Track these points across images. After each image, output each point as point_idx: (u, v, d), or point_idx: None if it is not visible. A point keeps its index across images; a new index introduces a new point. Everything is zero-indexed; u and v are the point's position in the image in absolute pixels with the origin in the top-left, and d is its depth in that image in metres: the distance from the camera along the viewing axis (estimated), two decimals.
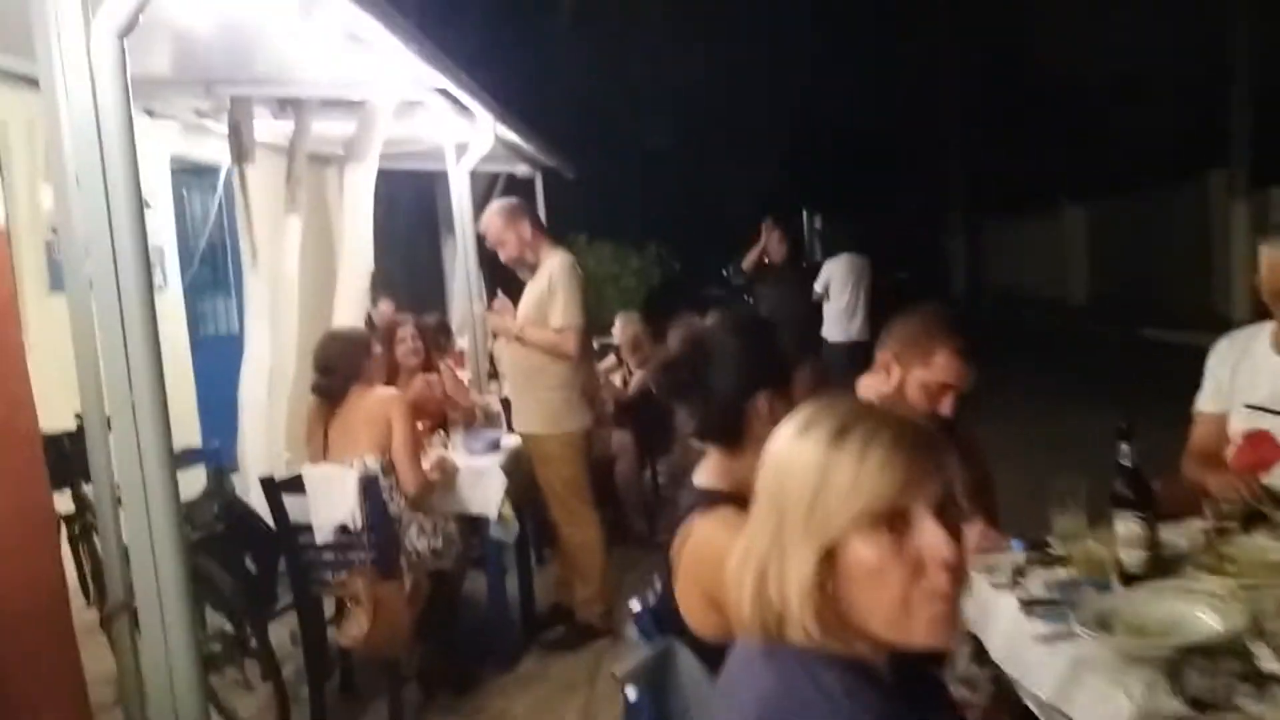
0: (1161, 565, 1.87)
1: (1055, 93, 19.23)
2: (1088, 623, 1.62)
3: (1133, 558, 1.84)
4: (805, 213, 24.39)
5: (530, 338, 3.91)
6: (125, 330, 2.02)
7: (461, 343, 5.97)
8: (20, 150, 4.74)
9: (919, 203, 22.72)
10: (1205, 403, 2.42)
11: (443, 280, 9.42)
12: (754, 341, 1.72)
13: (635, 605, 1.76)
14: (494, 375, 5.97)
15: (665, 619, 1.68)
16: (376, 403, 3.50)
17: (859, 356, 7.47)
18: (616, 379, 6.01)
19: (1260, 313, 2.37)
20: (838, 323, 7.85)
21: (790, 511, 1.06)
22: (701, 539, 1.58)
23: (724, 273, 26.98)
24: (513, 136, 6.21)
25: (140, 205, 2.02)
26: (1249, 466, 2.13)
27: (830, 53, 18.25)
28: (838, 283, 7.84)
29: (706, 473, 1.71)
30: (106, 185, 1.97)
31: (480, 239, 4.36)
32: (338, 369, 3.52)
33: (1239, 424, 2.29)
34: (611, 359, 6.16)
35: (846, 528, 1.02)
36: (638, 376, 6.01)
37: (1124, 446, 1.89)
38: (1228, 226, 12.85)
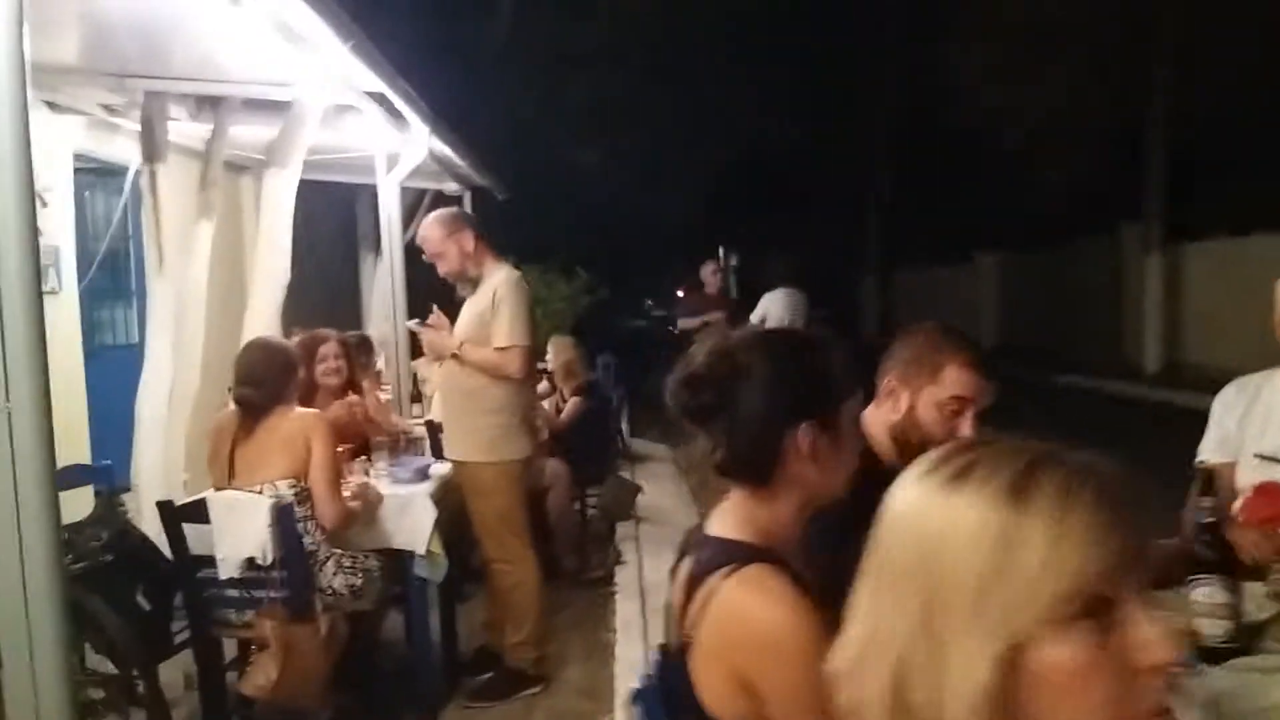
0: (1243, 635, 1.65)
1: (971, 141, 19.78)
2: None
3: (1216, 629, 1.62)
4: (721, 250, 24.59)
5: (471, 357, 3.62)
6: (3, 332, 1.77)
7: (379, 362, 5.64)
8: None
9: (834, 244, 23.09)
10: (1210, 453, 2.26)
11: (358, 297, 9.05)
12: (799, 361, 1.42)
13: (637, 682, 1.49)
14: (416, 398, 5.66)
15: (675, 701, 1.39)
16: (295, 423, 3.16)
17: None
18: (548, 405, 5.77)
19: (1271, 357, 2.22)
20: None
21: (949, 596, 0.79)
22: (731, 608, 1.29)
23: (646, 303, 27.00)
24: (445, 150, 5.94)
25: (31, 198, 1.80)
26: (1264, 520, 1.98)
27: (754, 91, 18.41)
28: (774, 318, 7.78)
29: (728, 519, 1.42)
30: None
31: (410, 253, 4.06)
32: (264, 381, 3.18)
33: (1248, 475, 2.14)
34: (544, 384, 5.91)
35: (1038, 620, 0.76)
36: (571, 403, 5.78)
37: (1205, 501, 1.67)
38: (1142, 278, 13.24)
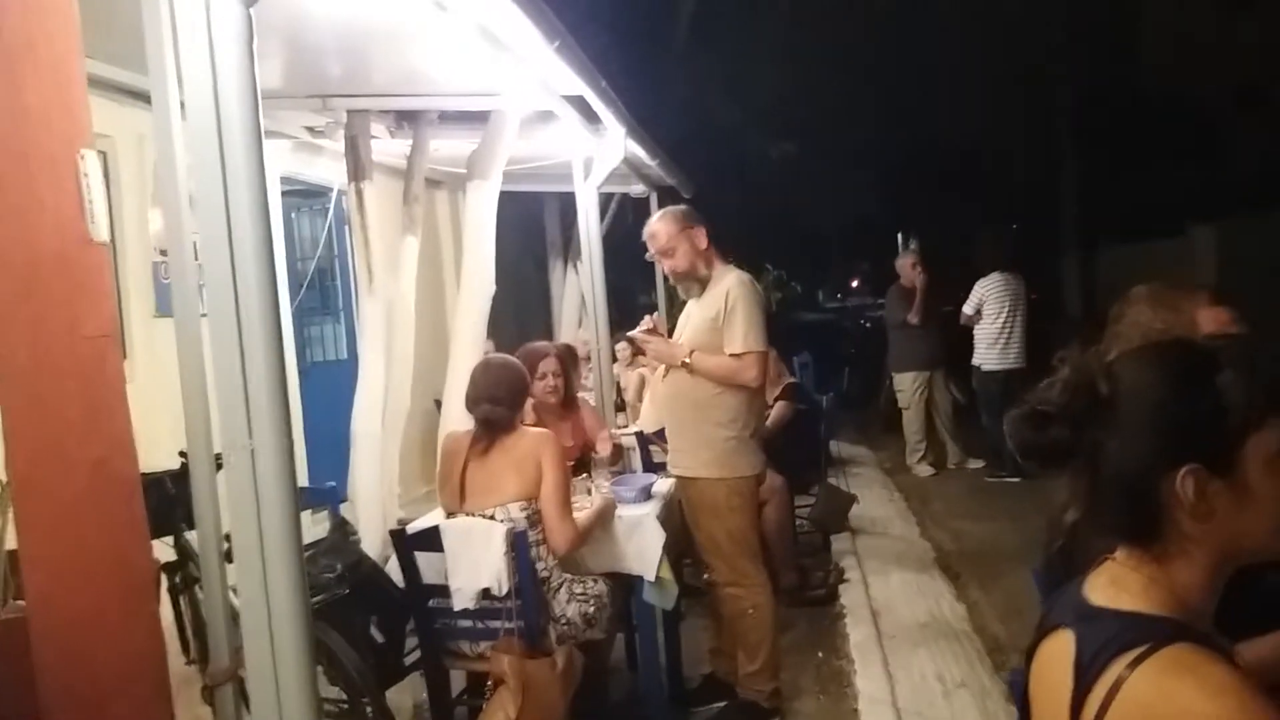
0: None
1: (1173, 107, 18.26)
2: None
3: None
4: (900, 235, 23.69)
5: (704, 365, 3.36)
6: (245, 359, 1.69)
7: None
8: (128, 168, 4.49)
9: (1030, 224, 21.81)
10: None
11: (549, 305, 9.05)
12: (1181, 387, 1.11)
13: None
14: (620, 408, 5.52)
15: None
16: (527, 443, 3.00)
17: (1015, 386, 6.87)
18: None
19: None
20: (993, 349, 7.26)
21: None
22: (1154, 705, 0.99)
23: (819, 296, 26.42)
24: (638, 152, 5.77)
25: (267, 225, 1.71)
26: None
27: (936, 75, 17.58)
28: (992, 304, 7.24)
29: (1121, 586, 1.12)
30: (229, 204, 1.67)
31: (623, 260, 3.87)
32: (505, 400, 3.05)
33: None
34: None
35: None
36: (777, 408, 5.46)
37: None
38: None
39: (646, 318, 3.70)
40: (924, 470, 7.69)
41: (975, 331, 7.38)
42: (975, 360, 7.40)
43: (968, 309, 7.38)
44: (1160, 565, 1.11)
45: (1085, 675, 1.06)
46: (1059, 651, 1.12)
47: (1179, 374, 1.13)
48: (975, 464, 7.60)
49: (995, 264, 7.42)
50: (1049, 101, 20.92)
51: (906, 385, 7.66)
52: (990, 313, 7.25)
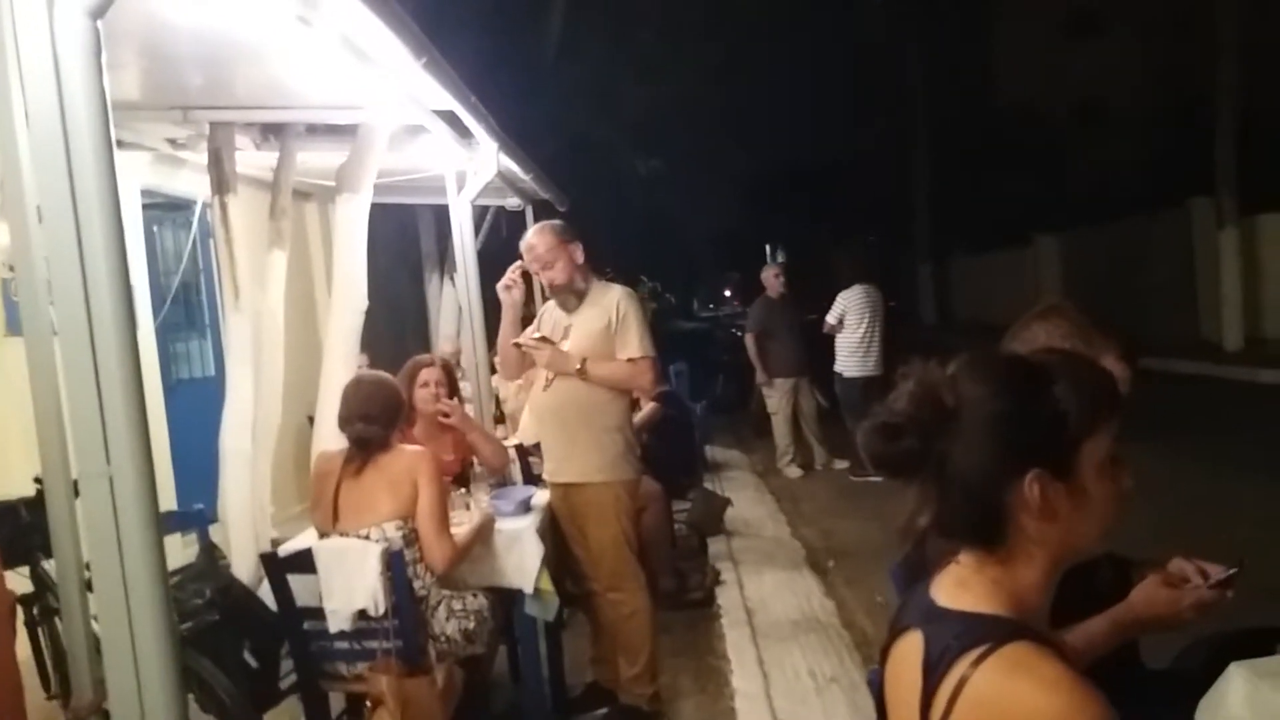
0: None
1: (1020, 120, 19.34)
2: None
3: None
4: (768, 247, 24.36)
5: (600, 372, 3.44)
6: (99, 379, 1.64)
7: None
8: None
9: (883, 236, 22.74)
10: None
11: (425, 318, 8.96)
12: (1018, 396, 1.18)
13: None
14: (500, 420, 5.51)
15: None
16: (403, 461, 2.99)
17: (874, 392, 7.18)
18: None
19: None
20: (853, 356, 7.60)
21: None
22: (994, 700, 1.07)
23: (693, 305, 26.85)
24: (511, 166, 5.79)
25: (120, 237, 1.67)
26: None
27: (796, 91, 18.20)
28: (854, 314, 7.56)
29: (965, 588, 1.20)
30: (78, 217, 1.63)
31: (499, 273, 3.88)
32: (378, 418, 3.02)
33: None
34: None
35: None
36: (647, 409, 5.55)
37: None
38: (1216, 254, 12.75)
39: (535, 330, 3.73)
40: (793, 472, 7.96)
41: (837, 340, 7.70)
42: (837, 367, 7.73)
43: (830, 319, 7.70)
44: (1002, 566, 1.18)
45: (933, 674, 1.13)
46: (909, 651, 1.19)
47: (1020, 385, 1.20)
48: (841, 464, 7.90)
49: (855, 276, 7.76)
50: (905, 119, 21.93)
51: (775, 391, 7.92)
52: (851, 322, 7.59)
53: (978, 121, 20.13)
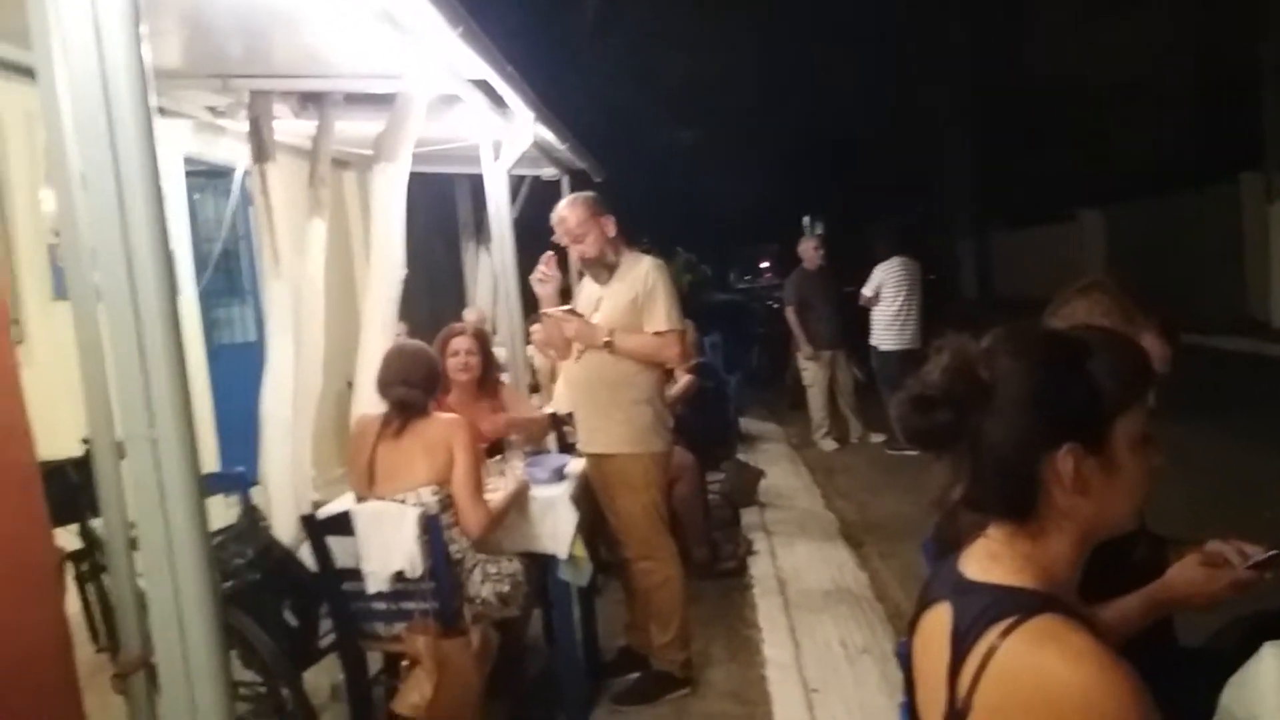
0: None
1: (1063, 93, 18.95)
2: None
3: None
4: (806, 219, 24.14)
5: (627, 344, 3.45)
6: (143, 343, 1.66)
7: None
8: (17, 147, 4.33)
9: (925, 209, 22.42)
10: None
11: (461, 286, 9.00)
12: (1053, 371, 1.19)
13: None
14: (535, 389, 5.55)
15: None
16: (439, 428, 3.03)
17: (911, 365, 7.12)
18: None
19: None
20: (890, 329, 7.53)
21: None
22: (1023, 671, 1.08)
23: (729, 277, 26.82)
24: (547, 135, 5.79)
25: (160, 203, 1.67)
26: None
27: (836, 62, 17.94)
28: (890, 288, 7.50)
29: (995, 560, 1.20)
30: (120, 183, 1.63)
31: (535, 242, 3.90)
32: (418, 384, 3.07)
33: None
34: None
35: None
36: (682, 381, 5.54)
37: None
38: (1265, 229, 12.47)
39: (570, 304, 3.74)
40: (829, 445, 7.94)
41: (873, 313, 7.65)
42: (873, 341, 7.68)
43: (867, 291, 7.64)
44: (1032, 540, 1.19)
45: (961, 645, 1.14)
46: (938, 623, 1.20)
47: (1056, 359, 1.20)
48: (877, 438, 7.87)
49: (893, 249, 7.68)
50: (947, 90, 21.57)
51: (811, 364, 7.89)
52: (888, 295, 7.53)
53: (1019, 94, 19.77)
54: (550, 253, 3.68)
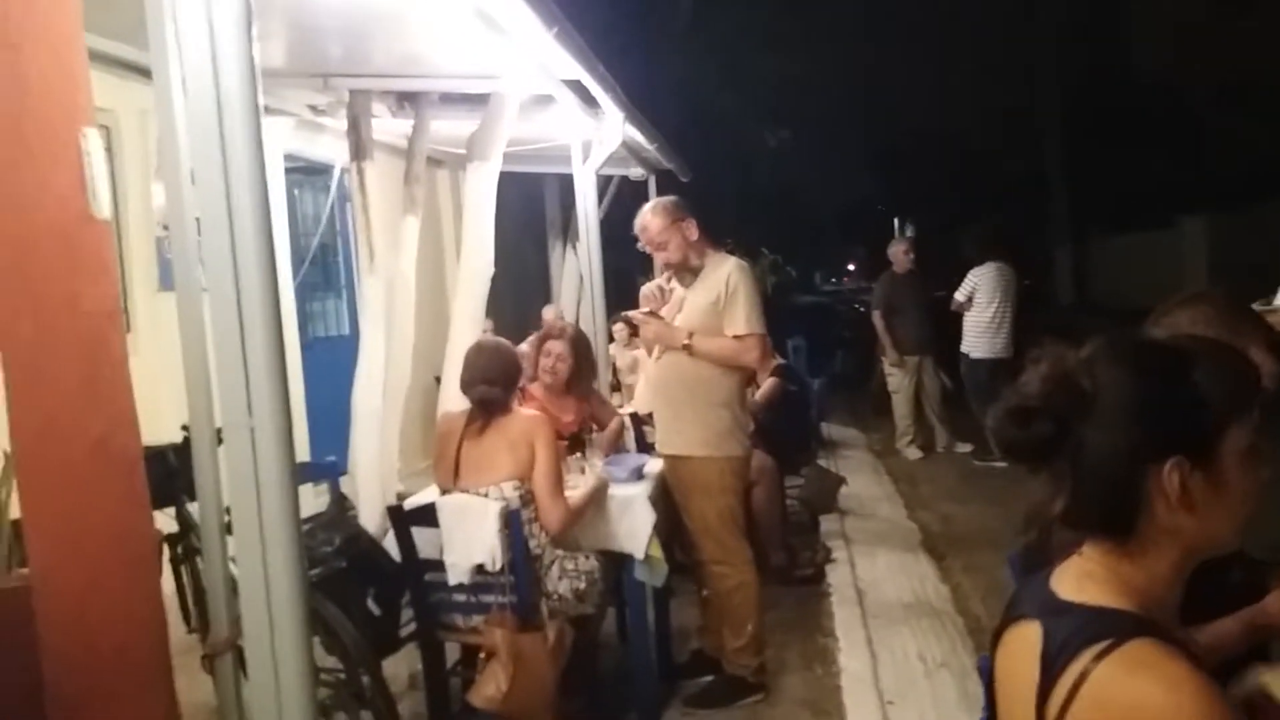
0: None
1: (1164, 100, 18.23)
2: None
3: None
4: (896, 221, 23.71)
5: (705, 347, 3.45)
6: (244, 335, 1.71)
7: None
8: (131, 143, 4.53)
9: (1020, 214, 21.82)
10: None
11: (547, 285, 9.10)
12: (1159, 382, 1.14)
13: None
14: (616, 388, 5.58)
15: None
16: (521, 425, 3.09)
17: (1002, 375, 6.95)
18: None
19: None
20: (982, 337, 7.34)
21: None
22: (1116, 697, 1.04)
23: (815, 279, 26.49)
24: (636, 136, 5.82)
25: (265, 199, 1.72)
26: None
27: (929, 64, 17.56)
28: (984, 293, 7.31)
29: (1089, 580, 1.16)
30: (228, 180, 1.68)
31: (623, 242, 3.94)
32: (499, 381, 3.13)
33: None
34: None
35: None
36: (768, 384, 5.50)
37: None
38: None
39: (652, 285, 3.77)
40: (913, 453, 7.79)
41: (965, 319, 7.45)
42: (964, 348, 7.48)
43: (960, 296, 7.45)
44: (1130, 559, 1.14)
45: (1052, 667, 1.10)
46: (1027, 642, 1.16)
47: (1161, 369, 1.16)
48: (963, 448, 7.68)
49: (988, 253, 7.48)
50: (1042, 93, 20.94)
51: (898, 370, 7.75)
52: (981, 301, 7.33)
53: (1118, 97, 19.09)
54: (658, 284, 3.74)
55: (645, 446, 4.26)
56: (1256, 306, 5.12)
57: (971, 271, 7.45)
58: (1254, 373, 1.21)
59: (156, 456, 2.93)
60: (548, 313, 7.06)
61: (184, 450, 2.58)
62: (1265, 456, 1.15)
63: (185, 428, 2.43)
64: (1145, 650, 1.04)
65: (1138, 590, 1.13)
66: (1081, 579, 1.17)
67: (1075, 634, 1.09)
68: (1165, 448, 1.11)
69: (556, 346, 3.87)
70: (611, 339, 5.90)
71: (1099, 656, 1.05)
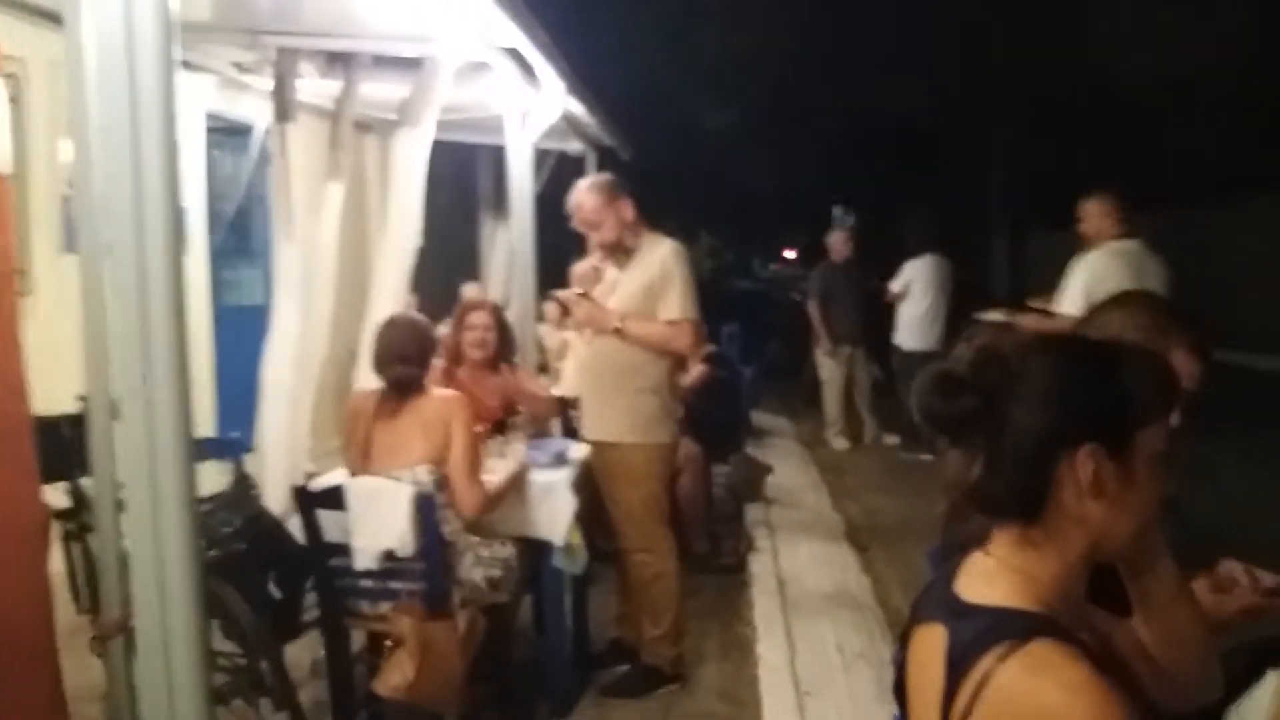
0: None
1: (1109, 100, 18.60)
2: None
3: None
4: (839, 209, 23.83)
5: (637, 331, 3.38)
6: (145, 303, 1.61)
7: None
8: (39, 94, 4.27)
9: (959, 207, 22.10)
10: None
11: (476, 261, 8.91)
12: (1087, 372, 1.16)
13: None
14: (543, 369, 5.47)
15: None
16: (436, 405, 2.97)
17: None
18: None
19: None
20: (916, 329, 7.39)
21: None
22: (1016, 701, 1.03)
23: (753, 264, 26.58)
24: (577, 109, 5.68)
25: (174, 162, 1.62)
26: None
27: (874, 50, 17.62)
28: (920, 285, 7.35)
29: (992, 579, 1.16)
30: (136, 136, 1.58)
31: (559, 219, 3.81)
32: (414, 359, 3.00)
33: None
34: None
35: None
36: (697, 371, 5.44)
37: None
38: None
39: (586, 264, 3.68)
40: (841, 444, 7.83)
41: (899, 310, 7.50)
42: (896, 339, 7.53)
43: (895, 287, 7.49)
44: (1035, 548, 1.15)
45: (956, 670, 1.10)
46: (932, 645, 1.16)
47: (1090, 361, 1.19)
48: (891, 440, 7.75)
49: (926, 245, 7.53)
50: (987, 85, 21.18)
51: (830, 360, 7.76)
52: (917, 293, 7.38)
53: (1063, 94, 19.42)
54: (591, 262, 3.63)
55: (570, 431, 4.17)
56: (1034, 304, 5.30)
57: (908, 263, 7.49)
58: (1175, 378, 1.25)
59: (49, 428, 2.76)
60: (468, 290, 6.87)
61: (79, 422, 2.43)
62: (1170, 467, 1.18)
63: (82, 398, 2.29)
64: (1046, 651, 1.05)
65: (1041, 585, 1.14)
66: (983, 579, 1.17)
67: (977, 637, 1.10)
68: (1082, 433, 1.13)
69: (481, 317, 3.75)
70: (541, 319, 5.78)
71: (1002, 657, 1.06)
